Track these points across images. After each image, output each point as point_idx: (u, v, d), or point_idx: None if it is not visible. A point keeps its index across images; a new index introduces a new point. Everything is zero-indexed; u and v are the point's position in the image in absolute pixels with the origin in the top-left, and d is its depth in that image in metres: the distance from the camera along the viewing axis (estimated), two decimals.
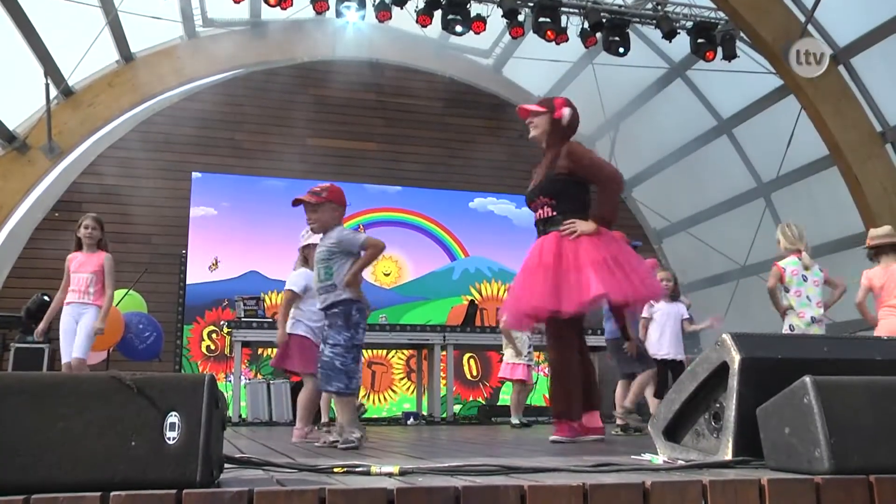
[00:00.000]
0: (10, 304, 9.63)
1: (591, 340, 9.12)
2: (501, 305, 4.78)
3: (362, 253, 4.20)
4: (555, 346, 4.65)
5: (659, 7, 10.42)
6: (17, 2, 8.75)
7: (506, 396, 11.60)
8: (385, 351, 11.39)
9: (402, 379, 11.67)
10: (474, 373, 12.00)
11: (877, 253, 5.88)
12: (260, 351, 10.41)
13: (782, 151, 10.83)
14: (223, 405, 2.03)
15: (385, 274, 12.00)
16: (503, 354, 7.92)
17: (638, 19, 10.52)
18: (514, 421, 7.72)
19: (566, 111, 4.73)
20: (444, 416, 9.27)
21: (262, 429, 7.43)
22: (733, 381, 2.45)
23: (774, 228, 6.59)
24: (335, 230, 4.25)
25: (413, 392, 11.02)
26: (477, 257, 12.33)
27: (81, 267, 6.33)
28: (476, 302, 10.90)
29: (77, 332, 6.19)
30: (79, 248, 6.42)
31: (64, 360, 6.21)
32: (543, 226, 4.64)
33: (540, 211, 4.67)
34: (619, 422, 6.37)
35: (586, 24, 10.17)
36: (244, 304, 8.73)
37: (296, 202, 4.28)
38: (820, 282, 5.87)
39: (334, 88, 12.37)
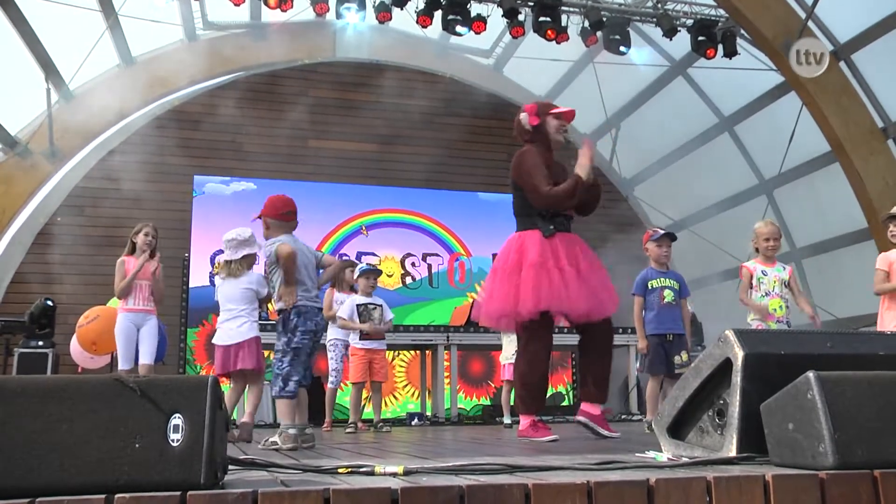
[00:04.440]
0: (13, 309, 9.65)
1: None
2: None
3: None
4: (521, 341, 4.80)
5: (659, 5, 10.42)
6: (17, 7, 8.76)
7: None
8: (390, 353, 11.39)
9: (405, 386, 11.66)
10: (478, 373, 11.99)
11: None
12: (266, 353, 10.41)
13: (784, 148, 10.83)
14: (226, 407, 2.03)
15: (388, 275, 12.00)
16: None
17: (638, 17, 10.52)
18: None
19: None
20: (448, 416, 9.26)
21: (266, 431, 7.43)
22: (737, 378, 2.45)
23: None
24: (267, 242, 4.51)
25: (417, 393, 11.01)
26: (479, 257, 12.32)
27: (142, 275, 6.39)
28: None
29: (143, 339, 6.38)
30: (131, 252, 6.43)
31: (123, 366, 6.29)
32: (567, 222, 4.80)
33: (570, 210, 4.83)
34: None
35: (587, 23, 10.17)
36: None
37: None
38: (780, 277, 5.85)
39: (335, 90, 12.38)
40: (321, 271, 4.72)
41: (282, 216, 4.55)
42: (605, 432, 4.62)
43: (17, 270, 10.70)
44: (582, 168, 4.61)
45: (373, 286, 7.31)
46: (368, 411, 7.74)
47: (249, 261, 5.62)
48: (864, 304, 7.83)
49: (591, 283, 4.56)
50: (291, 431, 4.31)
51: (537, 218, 4.68)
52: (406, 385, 11.63)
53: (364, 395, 7.51)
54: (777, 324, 5.65)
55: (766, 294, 5.74)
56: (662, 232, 6.14)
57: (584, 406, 4.78)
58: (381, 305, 7.30)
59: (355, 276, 7.39)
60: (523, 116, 4.87)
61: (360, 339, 7.14)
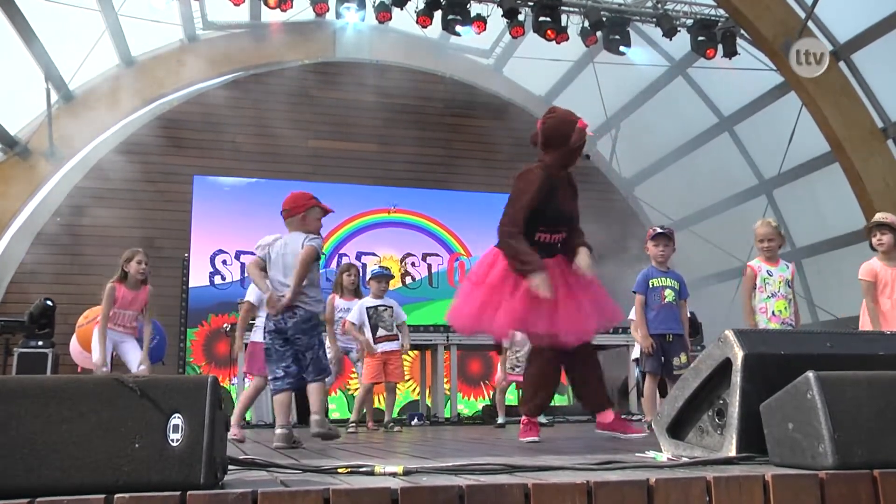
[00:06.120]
0: (13, 309, 9.65)
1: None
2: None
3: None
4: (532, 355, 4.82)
5: (659, 5, 10.43)
6: (17, 7, 8.76)
7: (511, 396, 11.60)
8: None
9: (406, 379, 11.66)
10: (476, 373, 11.99)
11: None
12: None
13: (784, 148, 10.83)
14: (227, 407, 2.03)
15: (393, 276, 12.01)
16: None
17: (638, 17, 10.52)
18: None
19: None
20: (448, 416, 9.26)
21: (265, 431, 7.44)
22: (736, 378, 2.45)
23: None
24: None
25: (417, 392, 11.01)
26: (479, 257, 12.31)
27: (130, 305, 6.29)
28: None
29: (127, 355, 6.30)
30: (122, 279, 6.24)
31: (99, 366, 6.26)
32: (553, 247, 4.64)
33: (558, 235, 4.63)
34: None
35: (586, 23, 10.17)
36: None
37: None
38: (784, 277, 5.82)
39: (335, 90, 12.37)
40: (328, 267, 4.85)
41: (282, 216, 4.72)
42: (625, 436, 4.55)
43: (17, 270, 10.70)
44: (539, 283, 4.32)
45: (384, 290, 7.30)
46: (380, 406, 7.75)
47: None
48: None
49: (567, 309, 4.41)
50: (278, 431, 4.40)
51: None
52: (408, 379, 11.63)
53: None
54: (782, 325, 5.62)
55: (772, 295, 5.68)
56: (658, 231, 6.12)
57: (598, 417, 4.75)
58: (391, 307, 7.28)
59: (367, 280, 7.42)
60: (579, 130, 4.50)
61: (374, 343, 7.09)
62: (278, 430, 4.40)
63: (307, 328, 4.51)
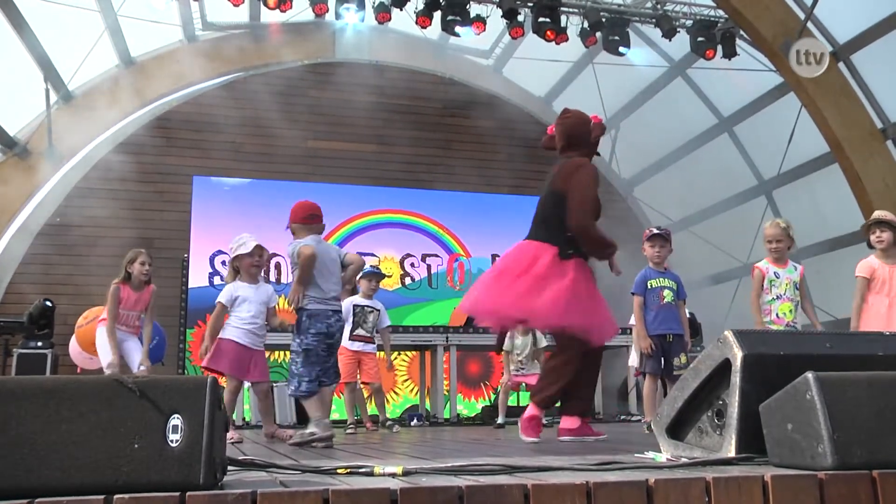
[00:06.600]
0: (13, 310, 9.64)
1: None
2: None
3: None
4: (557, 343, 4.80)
5: (658, 6, 10.43)
6: (16, 7, 8.75)
7: (512, 397, 11.59)
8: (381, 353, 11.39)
9: (405, 380, 11.67)
10: (475, 374, 11.99)
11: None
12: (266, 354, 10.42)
13: (783, 149, 10.83)
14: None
15: (387, 276, 12.00)
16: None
17: (637, 18, 10.53)
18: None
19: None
20: (448, 416, 9.27)
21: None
22: (736, 378, 2.45)
23: None
24: (290, 244, 4.64)
25: (416, 393, 11.01)
26: (479, 258, 12.31)
27: (134, 306, 6.35)
28: None
29: (129, 355, 6.36)
30: (125, 280, 6.28)
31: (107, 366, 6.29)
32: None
33: None
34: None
35: (586, 24, 10.17)
36: None
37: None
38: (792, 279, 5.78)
39: (334, 90, 12.37)
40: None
41: (304, 220, 4.70)
42: (592, 438, 4.59)
43: (17, 271, 10.69)
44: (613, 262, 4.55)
45: (374, 289, 7.25)
46: (373, 407, 7.74)
47: (233, 265, 5.67)
48: None
49: (595, 309, 4.50)
50: (326, 421, 4.51)
51: (562, 235, 4.53)
52: (406, 380, 11.63)
53: (365, 394, 7.52)
54: (786, 328, 5.59)
55: (778, 297, 5.64)
56: (654, 232, 6.12)
57: (565, 422, 4.72)
58: (378, 310, 7.23)
59: (357, 278, 7.37)
60: (597, 126, 4.73)
61: (349, 339, 7.01)
62: (327, 420, 4.54)
63: (341, 333, 4.77)
